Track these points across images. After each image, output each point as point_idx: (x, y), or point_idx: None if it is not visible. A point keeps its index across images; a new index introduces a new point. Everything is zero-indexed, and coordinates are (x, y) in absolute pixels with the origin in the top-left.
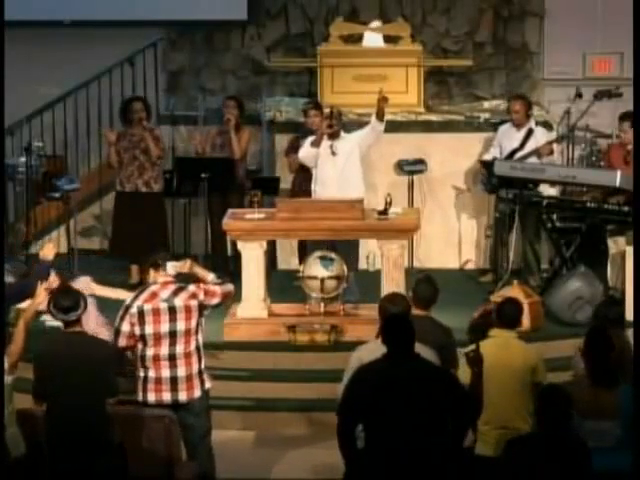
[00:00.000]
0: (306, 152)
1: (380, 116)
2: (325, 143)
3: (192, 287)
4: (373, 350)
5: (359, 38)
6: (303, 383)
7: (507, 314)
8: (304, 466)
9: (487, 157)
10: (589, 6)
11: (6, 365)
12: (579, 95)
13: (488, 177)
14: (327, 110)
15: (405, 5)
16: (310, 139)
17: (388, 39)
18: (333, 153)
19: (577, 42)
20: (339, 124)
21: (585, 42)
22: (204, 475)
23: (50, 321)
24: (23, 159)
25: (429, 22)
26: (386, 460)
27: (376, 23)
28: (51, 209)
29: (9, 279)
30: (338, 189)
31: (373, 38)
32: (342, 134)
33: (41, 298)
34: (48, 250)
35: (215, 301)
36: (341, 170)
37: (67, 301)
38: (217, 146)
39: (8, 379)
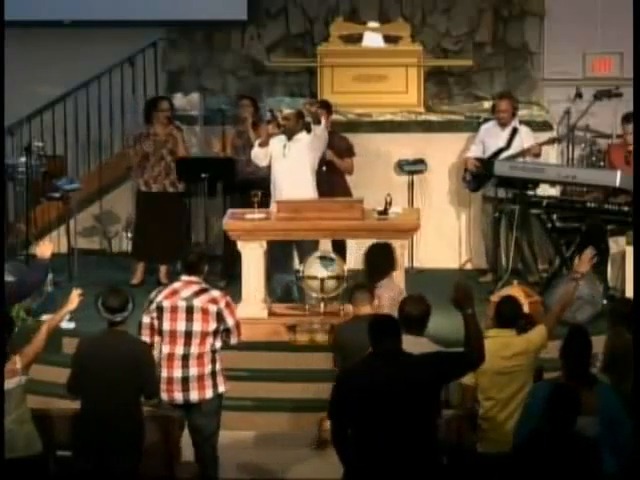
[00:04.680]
0: (255, 152)
1: (314, 119)
2: (280, 143)
3: (215, 292)
4: None
5: (359, 38)
6: (303, 383)
7: (506, 313)
8: (304, 466)
9: (469, 155)
10: (589, 6)
11: (19, 365)
12: (579, 95)
13: (472, 175)
14: (280, 110)
15: (405, 5)
16: (258, 140)
17: (388, 39)
18: (284, 154)
19: (577, 42)
20: (297, 124)
21: (585, 42)
22: (205, 476)
23: (66, 323)
24: (23, 159)
25: (429, 22)
26: (377, 460)
27: (374, 24)
28: (51, 209)
29: (9, 279)
30: (287, 190)
31: (373, 38)
32: (300, 135)
33: (74, 305)
34: (45, 248)
35: (231, 320)
36: (290, 171)
37: (116, 302)
38: (238, 147)
39: (22, 379)
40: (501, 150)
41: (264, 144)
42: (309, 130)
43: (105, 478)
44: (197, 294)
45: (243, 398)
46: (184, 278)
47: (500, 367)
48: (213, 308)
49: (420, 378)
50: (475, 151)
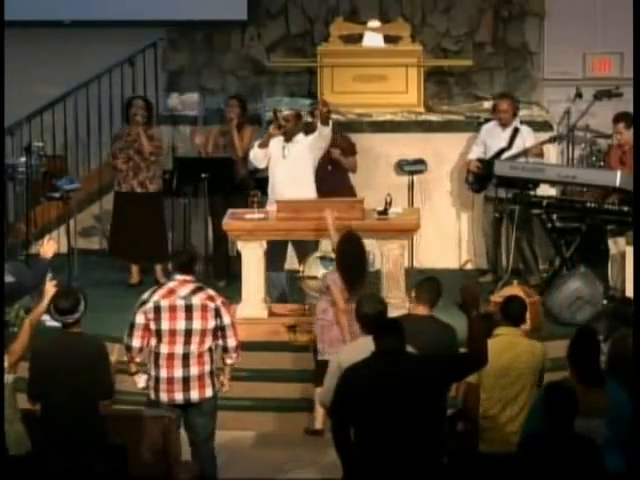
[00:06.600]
0: (254, 153)
1: (324, 120)
2: (278, 144)
3: (211, 291)
4: (353, 353)
5: (359, 38)
6: (303, 383)
7: (513, 311)
8: (304, 466)
9: (471, 156)
10: (589, 6)
11: (6, 363)
12: (579, 95)
13: (474, 176)
14: (282, 111)
15: (405, 5)
16: (258, 140)
17: (388, 39)
18: (283, 156)
19: (577, 42)
20: (296, 126)
21: (585, 42)
22: (204, 476)
23: (49, 321)
24: (23, 159)
25: (429, 22)
26: (379, 459)
27: (374, 22)
28: (51, 209)
29: (9, 279)
30: (288, 192)
31: (373, 38)
32: (299, 137)
33: (50, 296)
34: (48, 247)
35: (227, 318)
36: (290, 173)
37: (66, 303)
38: (220, 146)
39: (9, 378)
40: (503, 150)
41: (264, 145)
42: (307, 132)
43: (88, 478)
44: (194, 292)
45: (243, 398)
46: (178, 277)
47: (505, 366)
48: (211, 305)
49: (422, 378)
50: (477, 152)
